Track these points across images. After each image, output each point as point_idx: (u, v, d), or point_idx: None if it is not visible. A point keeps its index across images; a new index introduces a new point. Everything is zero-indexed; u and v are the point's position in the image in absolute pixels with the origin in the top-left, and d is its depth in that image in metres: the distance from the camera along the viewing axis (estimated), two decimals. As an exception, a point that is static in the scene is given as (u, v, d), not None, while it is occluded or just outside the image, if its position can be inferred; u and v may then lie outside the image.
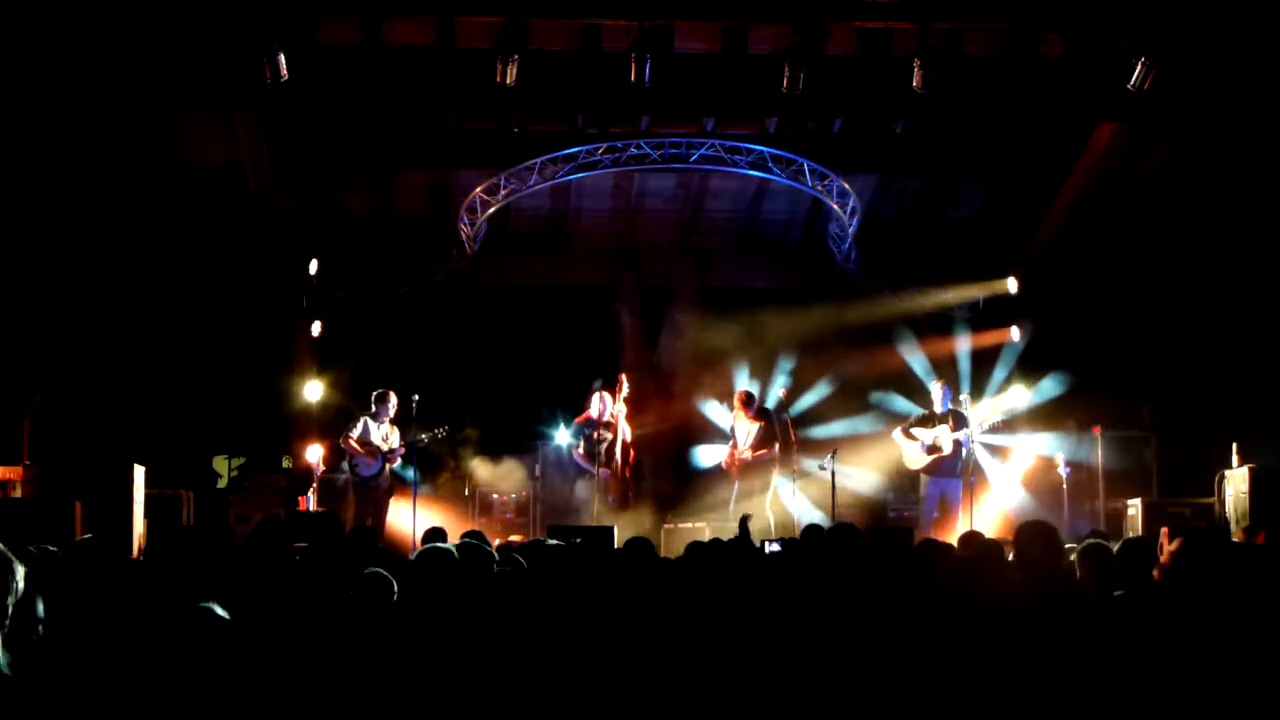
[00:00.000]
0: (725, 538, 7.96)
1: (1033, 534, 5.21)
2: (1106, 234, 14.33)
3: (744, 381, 14.15)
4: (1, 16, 10.78)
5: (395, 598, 4.75)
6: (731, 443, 13.05)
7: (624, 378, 13.06)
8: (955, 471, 12.52)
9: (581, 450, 12.98)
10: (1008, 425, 12.86)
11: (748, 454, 12.80)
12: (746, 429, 12.90)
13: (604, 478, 12.73)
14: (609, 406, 12.93)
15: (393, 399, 12.38)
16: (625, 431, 12.93)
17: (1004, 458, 13.49)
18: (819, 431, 13.89)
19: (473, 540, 5.57)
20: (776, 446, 12.75)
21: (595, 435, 12.83)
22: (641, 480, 13.53)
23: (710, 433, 14.32)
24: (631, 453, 13.04)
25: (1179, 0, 11.58)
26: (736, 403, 13.07)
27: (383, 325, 14.64)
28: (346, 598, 4.75)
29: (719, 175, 14.26)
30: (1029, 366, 14.06)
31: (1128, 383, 14.11)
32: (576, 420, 13.13)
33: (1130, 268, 14.24)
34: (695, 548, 6.20)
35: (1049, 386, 13.66)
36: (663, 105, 12.64)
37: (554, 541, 6.53)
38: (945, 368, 14.23)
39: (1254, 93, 11.93)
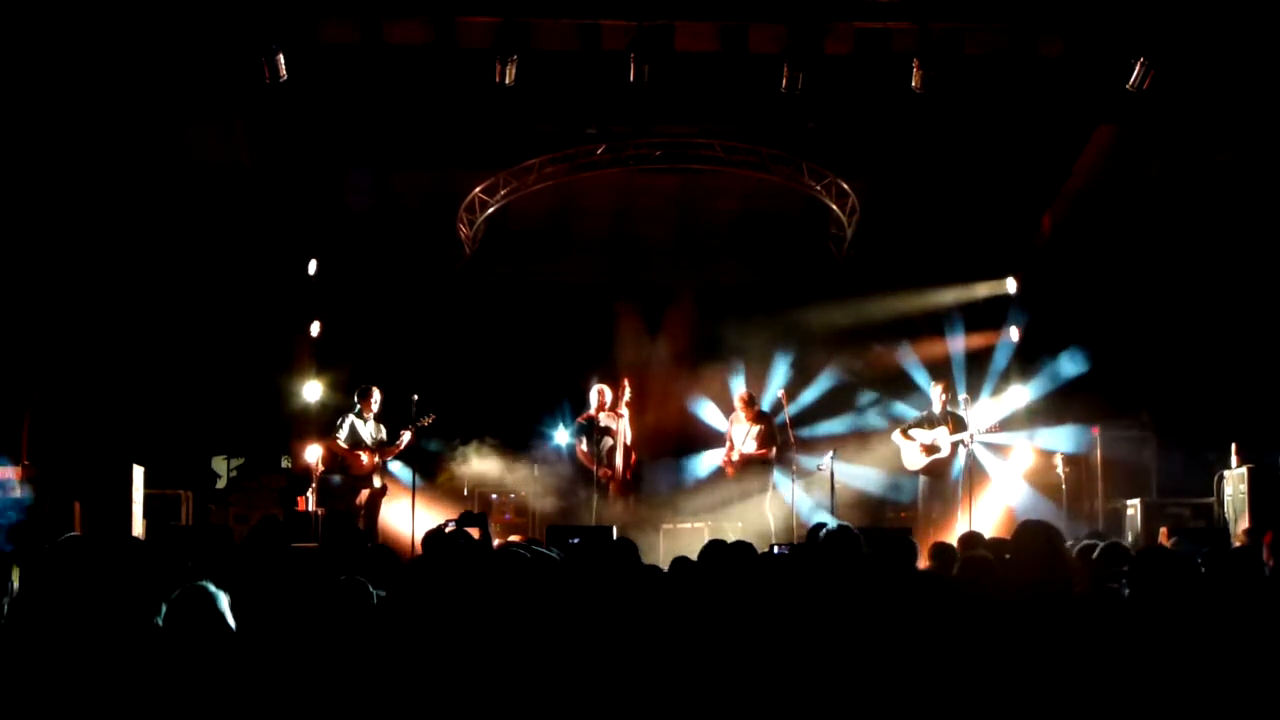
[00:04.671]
0: (725, 540, 7.93)
1: (1030, 535, 5.19)
2: (1105, 235, 14.32)
3: (743, 382, 14.14)
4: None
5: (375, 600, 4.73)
6: (729, 444, 13.05)
7: (627, 381, 13.03)
8: (954, 473, 12.53)
9: (583, 449, 12.97)
10: (1006, 426, 12.86)
11: (745, 453, 12.81)
12: (746, 430, 12.91)
13: (604, 478, 12.72)
14: (608, 400, 12.91)
15: (376, 394, 12.27)
16: (626, 434, 12.91)
17: (1003, 458, 13.48)
18: (818, 431, 13.88)
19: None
20: (774, 449, 12.76)
21: (597, 435, 12.81)
22: (641, 481, 13.52)
23: (709, 434, 14.30)
24: (633, 454, 13.03)
25: (1179, 0, 11.58)
26: (738, 403, 13.08)
27: (382, 325, 14.62)
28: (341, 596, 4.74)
29: (719, 175, 14.24)
30: (1028, 367, 14.05)
31: (1127, 383, 14.10)
32: (579, 419, 13.11)
33: (1129, 268, 14.23)
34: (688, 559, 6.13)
35: (1049, 385, 13.67)
36: (662, 105, 12.64)
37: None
38: (944, 369, 14.21)
39: (1253, 93, 11.94)
